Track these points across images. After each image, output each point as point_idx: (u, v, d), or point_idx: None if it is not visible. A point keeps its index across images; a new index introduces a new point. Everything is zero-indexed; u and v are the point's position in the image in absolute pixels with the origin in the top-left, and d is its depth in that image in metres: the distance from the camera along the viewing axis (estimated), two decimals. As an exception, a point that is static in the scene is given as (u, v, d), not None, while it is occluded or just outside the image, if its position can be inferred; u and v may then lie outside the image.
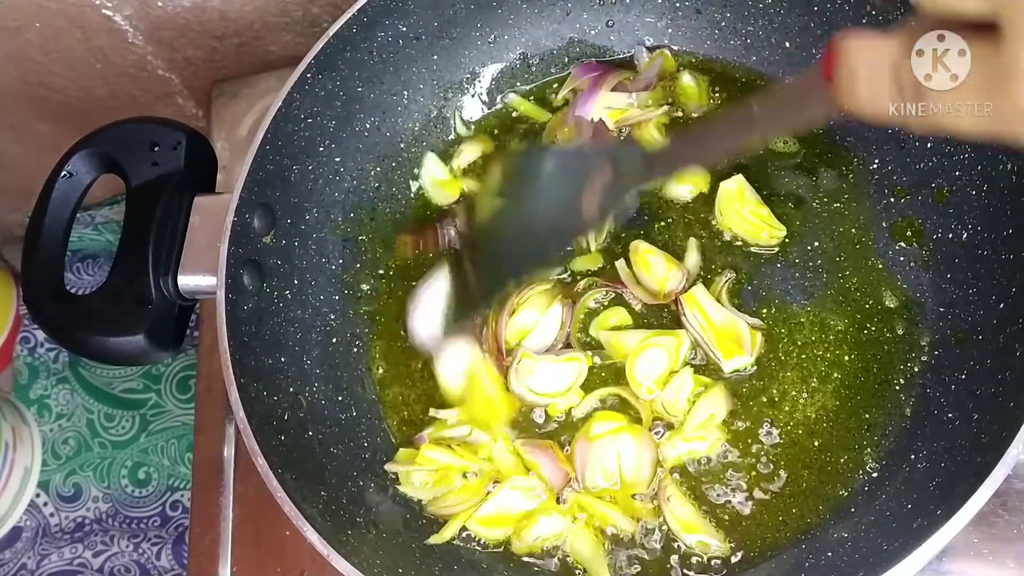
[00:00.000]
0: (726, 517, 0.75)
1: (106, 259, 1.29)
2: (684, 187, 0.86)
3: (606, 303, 0.84)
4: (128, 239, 0.80)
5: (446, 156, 0.94)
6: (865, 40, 0.42)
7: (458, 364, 0.80)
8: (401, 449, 0.81)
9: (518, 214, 0.70)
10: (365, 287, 0.89)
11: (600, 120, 0.89)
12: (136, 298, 0.78)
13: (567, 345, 0.82)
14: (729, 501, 0.75)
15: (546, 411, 0.80)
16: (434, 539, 0.76)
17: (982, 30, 0.38)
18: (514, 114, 0.95)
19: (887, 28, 0.43)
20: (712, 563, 0.74)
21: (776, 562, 0.73)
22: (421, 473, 0.79)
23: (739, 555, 0.74)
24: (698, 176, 0.86)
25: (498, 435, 0.79)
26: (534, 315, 0.82)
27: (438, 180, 0.92)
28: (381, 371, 0.86)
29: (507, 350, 0.81)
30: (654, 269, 0.81)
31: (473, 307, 0.78)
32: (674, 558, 0.74)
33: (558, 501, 0.77)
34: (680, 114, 0.90)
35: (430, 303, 0.82)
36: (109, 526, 1.18)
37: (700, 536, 0.74)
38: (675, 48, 0.92)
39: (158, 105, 1.20)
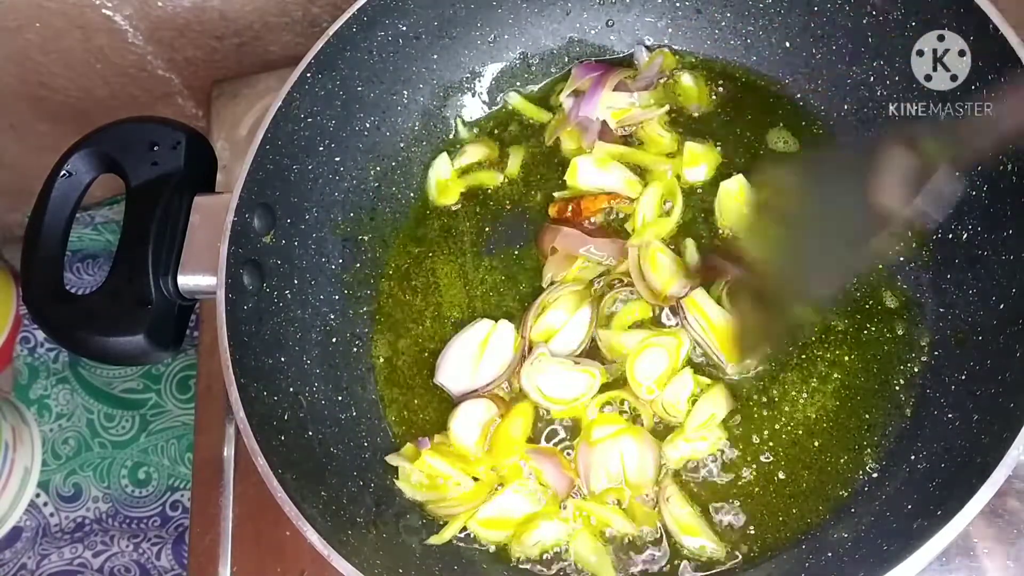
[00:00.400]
0: (726, 518, 0.75)
1: (106, 259, 1.29)
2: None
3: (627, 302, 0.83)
4: (128, 239, 0.80)
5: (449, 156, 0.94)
6: None
7: (472, 422, 0.80)
8: (408, 444, 0.81)
9: (798, 236, 0.66)
10: (365, 287, 0.89)
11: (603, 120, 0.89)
12: (136, 298, 0.77)
13: (591, 350, 0.82)
14: (730, 502, 0.75)
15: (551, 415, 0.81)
16: (434, 539, 0.76)
17: None
18: (516, 115, 0.95)
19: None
20: (713, 564, 0.74)
21: (776, 562, 0.73)
22: (419, 474, 0.79)
23: (739, 556, 0.74)
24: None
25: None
26: (562, 315, 0.82)
27: (442, 180, 0.92)
28: (381, 371, 0.86)
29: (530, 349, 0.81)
30: (662, 269, 0.81)
31: (759, 343, 0.76)
32: (682, 563, 0.74)
33: (562, 508, 0.77)
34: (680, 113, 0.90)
35: (462, 352, 0.82)
36: (109, 526, 1.18)
37: (699, 539, 0.74)
38: (675, 48, 0.92)
39: (158, 105, 1.20)
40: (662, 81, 0.91)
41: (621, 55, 0.94)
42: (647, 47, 0.93)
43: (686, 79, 0.90)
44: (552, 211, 0.88)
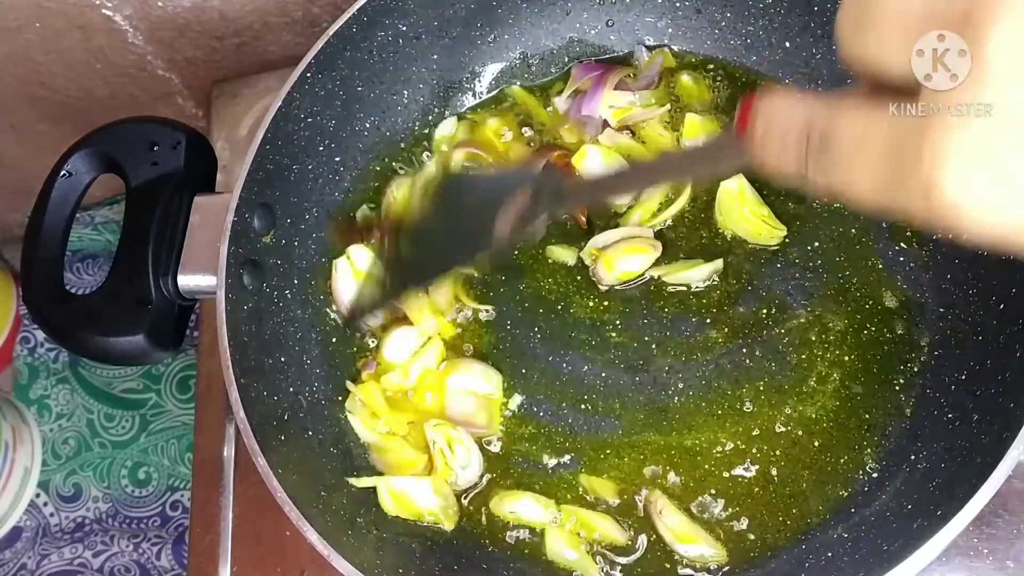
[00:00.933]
0: (724, 519, 0.75)
1: (106, 259, 1.29)
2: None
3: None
4: (128, 239, 0.80)
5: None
6: (779, 99, 0.42)
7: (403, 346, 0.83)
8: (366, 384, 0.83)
9: (439, 225, 0.73)
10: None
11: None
12: (136, 298, 0.78)
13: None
14: (729, 503, 0.75)
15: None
16: (353, 481, 0.77)
17: (906, 95, 0.36)
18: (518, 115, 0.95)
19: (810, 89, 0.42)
20: (711, 567, 0.74)
21: (776, 562, 0.73)
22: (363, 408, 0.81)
23: (739, 557, 0.74)
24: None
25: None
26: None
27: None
28: (381, 371, 0.86)
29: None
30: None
31: (388, 297, 0.81)
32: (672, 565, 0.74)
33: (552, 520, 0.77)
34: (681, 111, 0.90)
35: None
36: (109, 526, 1.18)
37: (698, 547, 0.73)
38: (675, 48, 0.92)
39: (158, 105, 1.20)
40: (662, 80, 0.91)
41: (621, 55, 0.94)
42: (647, 47, 0.93)
43: (685, 78, 0.90)
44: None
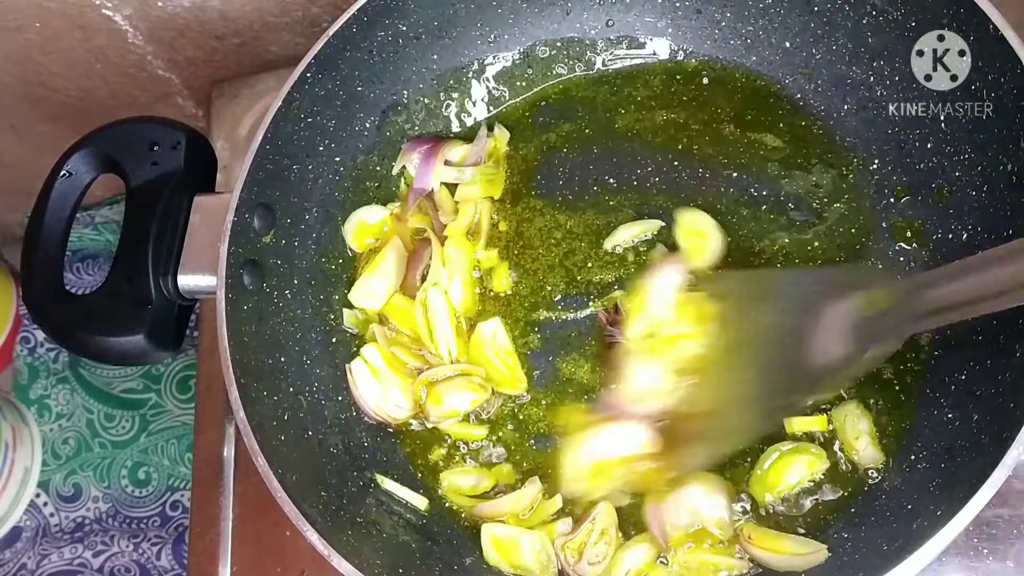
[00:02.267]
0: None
1: (106, 259, 1.29)
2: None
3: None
4: (128, 239, 0.80)
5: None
6: None
7: None
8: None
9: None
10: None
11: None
12: (136, 298, 0.78)
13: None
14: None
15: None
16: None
17: None
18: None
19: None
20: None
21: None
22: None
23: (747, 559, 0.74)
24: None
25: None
26: None
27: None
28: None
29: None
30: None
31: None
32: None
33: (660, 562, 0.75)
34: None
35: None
36: (109, 526, 1.18)
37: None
38: (674, 47, 0.92)
39: (158, 105, 1.20)
40: (491, 159, 0.91)
41: (459, 131, 0.94)
42: (490, 128, 0.93)
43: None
44: None
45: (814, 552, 0.71)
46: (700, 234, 0.83)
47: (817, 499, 0.74)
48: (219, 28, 1.09)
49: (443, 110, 0.94)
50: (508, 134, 0.92)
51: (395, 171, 0.91)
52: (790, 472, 0.74)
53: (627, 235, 0.85)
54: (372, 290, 0.85)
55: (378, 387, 0.81)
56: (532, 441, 0.81)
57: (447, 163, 0.90)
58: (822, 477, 0.74)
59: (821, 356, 0.53)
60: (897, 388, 0.76)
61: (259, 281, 0.79)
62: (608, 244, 0.85)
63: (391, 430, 0.83)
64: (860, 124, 0.84)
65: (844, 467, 0.75)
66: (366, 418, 0.83)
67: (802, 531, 0.73)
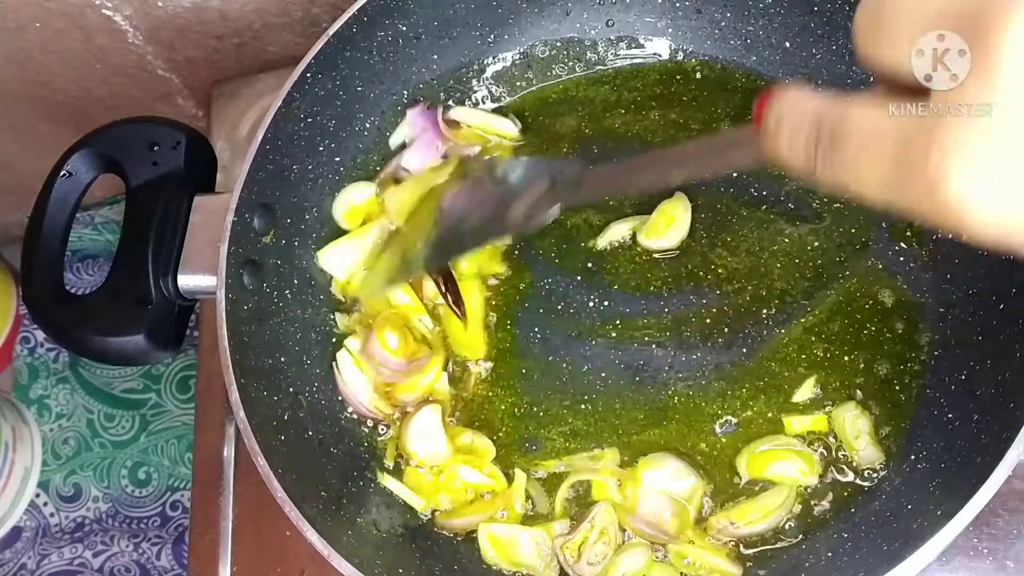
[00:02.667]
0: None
1: (106, 259, 1.29)
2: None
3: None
4: (128, 239, 0.80)
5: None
6: (793, 94, 0.43)
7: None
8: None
9: (462, 208, 0.75)
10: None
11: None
12: (136, 298, 0.78)
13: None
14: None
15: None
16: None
17: (920, 95, 0.37)
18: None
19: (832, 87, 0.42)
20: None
21: (776, 562, 0.73)
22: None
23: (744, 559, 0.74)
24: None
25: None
26: None
27: None
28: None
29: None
30: None
31: (407, 272, 0.81)
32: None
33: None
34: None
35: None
36: (109, 526, 1.18)
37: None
38: (674, 47, 0.92)
39: (158, 105, 1.20)
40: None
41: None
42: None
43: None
44: None
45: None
46: (671, 217, 0.84)
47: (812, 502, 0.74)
48: (219, 28, 1.09)
49: (443, 110, 0.93)
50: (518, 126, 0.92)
51: (394, 143, 0.91)
52: (776, 465, 0.74)
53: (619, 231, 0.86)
54: (341, 256, 0.85)
55: (364, 379, 0.81)
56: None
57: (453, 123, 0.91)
58: (807, 490, 0.75)
59: (517, 211, 0.69)
60: (897, 388, 0.76)
61: (259, 281, 0.79)
62: (601, 242, 0.86)
63: (392, 431, 0.83)
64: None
65: (843, 469, 0.75)
66: (356, 415, 0.83)
67: (791, 526, 0.74)
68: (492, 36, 0.92)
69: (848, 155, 0.39)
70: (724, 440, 0.77)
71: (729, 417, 0.78)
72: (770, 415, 0.77)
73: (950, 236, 0.40)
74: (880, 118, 0.38)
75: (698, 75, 0.91)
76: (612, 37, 0.93)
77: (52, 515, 1.20)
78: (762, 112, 0.44)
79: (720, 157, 0.56)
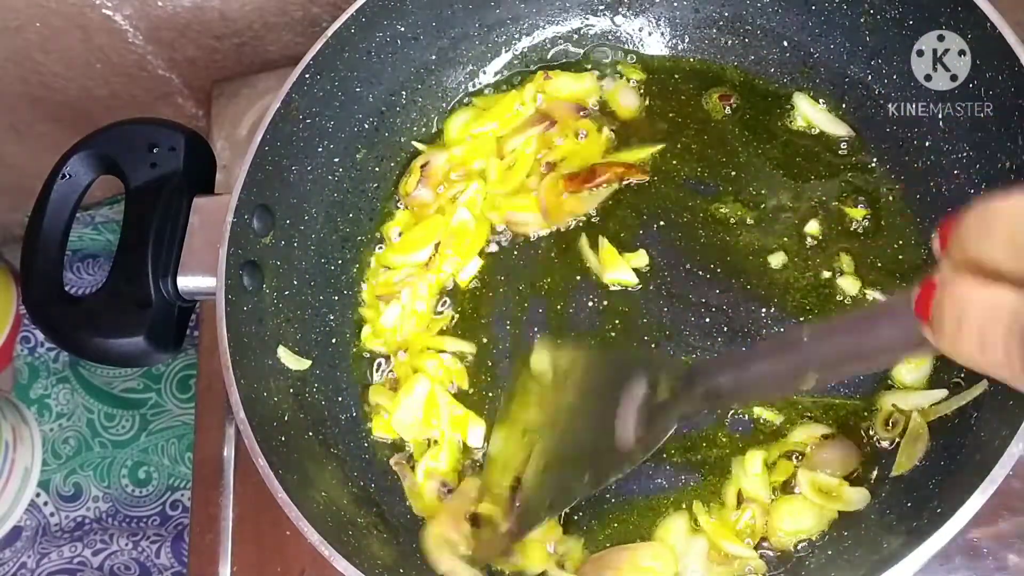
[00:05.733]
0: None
1: (106, 259, 1.29)
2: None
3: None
4: (127, 241, 0.80)
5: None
6: (967, 287, 0.36)
7: None
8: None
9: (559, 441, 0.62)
10: (365, 287, 0.89)
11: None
12: (136, 299, 0.78)
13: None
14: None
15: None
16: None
17: None
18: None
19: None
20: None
21: (776, 562, 0.73)
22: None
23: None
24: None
25: None
26: None
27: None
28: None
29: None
30: None
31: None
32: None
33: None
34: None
35: None
36: (109, 525, 1.18)
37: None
38: (672, 46, 0.92)
39: (158, 105, 1.20)
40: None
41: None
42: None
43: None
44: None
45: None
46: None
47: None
48: (219, 28, 1.09)
49: (442, 111, 0.93)
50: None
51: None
52: (798, 519, 0.73)
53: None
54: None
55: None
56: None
57: None
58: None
59: (623, 434, 0.56)
60: (897, 387, 0.76)
61: (259, 282, 0.79)
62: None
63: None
64: (859, 123, 0.84)
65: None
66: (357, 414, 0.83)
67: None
68: (490, 37, 0.92)
69: None
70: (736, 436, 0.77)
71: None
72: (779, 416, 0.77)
73: None
74: None
75: (696, 74, 0.91)
76: (610, 36, 0.93)
77: (52, 515, 1.20)
78: (928, 301, 0.38)
79: (878, 354, 0.47)
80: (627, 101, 0.91)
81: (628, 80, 0.92)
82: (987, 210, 0.35)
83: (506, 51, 0.93)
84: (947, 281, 0.36)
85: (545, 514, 0.67)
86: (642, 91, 0.92)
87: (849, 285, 0.79)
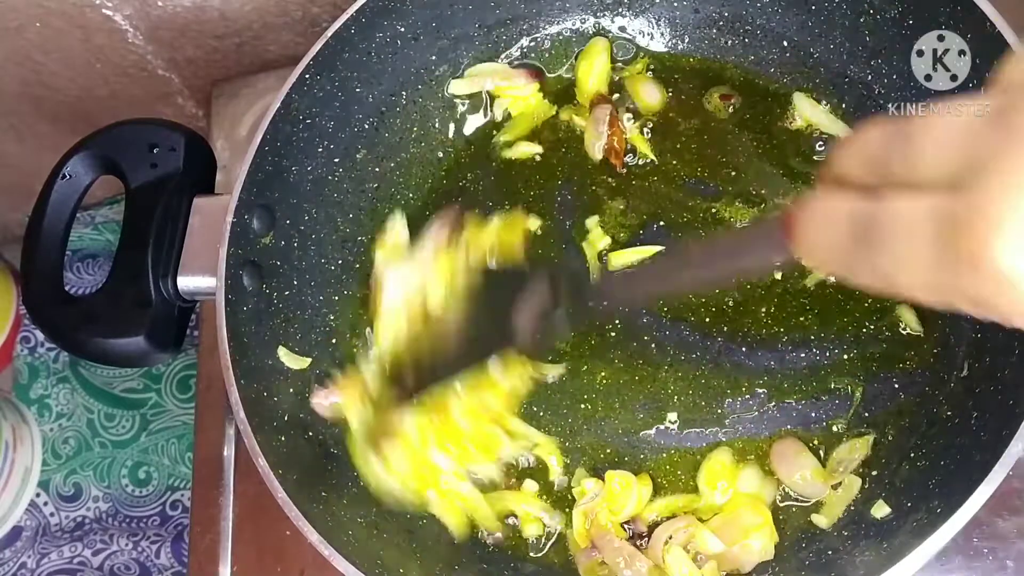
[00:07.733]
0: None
1: (106, 259, 1.29)
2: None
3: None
4: (127, 241, 0.80)
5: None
6: (822, 202, 0.41)
7: None
8: None
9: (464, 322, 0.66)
10: (365, 288, 0.89)
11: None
12: (136, 300, 0.78)
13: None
14: (729, 501, 0.75)
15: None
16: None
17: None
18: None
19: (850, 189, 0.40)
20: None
21: (776, 562, 0.73)
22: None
23: (739, 555, 0.74)
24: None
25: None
26: None
27: None
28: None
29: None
30: None
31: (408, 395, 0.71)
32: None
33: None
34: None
35: None
36: (109, 525, 1.18)
37: None
38: (672, 46, 0.92)
39: (158, 105, 1.20)
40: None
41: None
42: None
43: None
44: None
45: None
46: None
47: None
48: (219, 28, 1.09)
49: (442, 111, 0.93)
50: None
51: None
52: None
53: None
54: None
55: None
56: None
57: None
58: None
59: (521, 334, 0.62)
60: (897, 387, 0.76)
61: (259, 282, 0.79)
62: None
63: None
64: (859, 123, 0.84)
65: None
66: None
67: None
68: (490, 37, 0.92)
69: (886, 246, 0.37)
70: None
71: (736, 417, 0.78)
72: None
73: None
74: (916, 199, 0.36)
75: (695, 73, 0.91)
76: (610, 35, 0.93)
77: (52, 515, 1.20)
78: (792, 223, 0.42)
79: (747, 262, 0.52)
80: (649, 96, 0.91)
81: (645, 72, 0.92)
82: (852, 136, 0.41)
83: (506, 51, 0.93)
84: (808, 199, 0.42)
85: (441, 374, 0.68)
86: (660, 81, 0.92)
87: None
